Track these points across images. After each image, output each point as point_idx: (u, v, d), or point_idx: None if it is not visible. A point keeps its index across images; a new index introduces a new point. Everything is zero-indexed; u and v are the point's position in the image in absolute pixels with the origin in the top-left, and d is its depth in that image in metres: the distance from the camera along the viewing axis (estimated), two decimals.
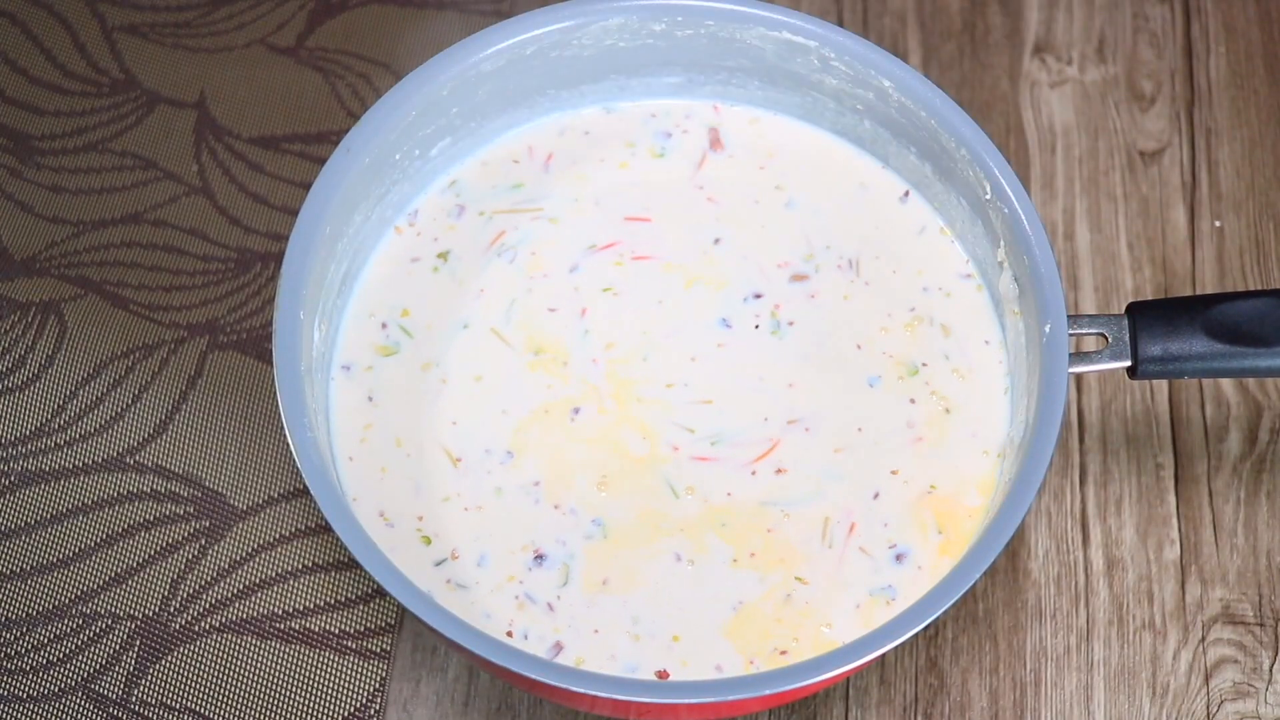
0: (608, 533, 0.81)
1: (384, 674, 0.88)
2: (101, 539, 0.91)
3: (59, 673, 0.88)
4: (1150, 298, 0.96)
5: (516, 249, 0.88)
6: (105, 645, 0.89)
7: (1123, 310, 0.90)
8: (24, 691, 0.88)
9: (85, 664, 0.88)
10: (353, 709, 0.87)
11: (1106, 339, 0.81)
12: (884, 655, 0.76)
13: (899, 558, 0.81)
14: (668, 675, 0.78)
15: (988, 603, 0.90)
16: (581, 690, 0.73)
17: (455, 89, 0.86)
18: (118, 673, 0.88)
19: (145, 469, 0.93)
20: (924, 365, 0.85)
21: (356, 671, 0.88)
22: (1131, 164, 1.02)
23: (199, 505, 0.92)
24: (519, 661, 0.73)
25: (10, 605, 0.90)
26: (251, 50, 1.05)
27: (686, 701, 0.74)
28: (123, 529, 0.91)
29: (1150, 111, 1.03)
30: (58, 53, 1.05)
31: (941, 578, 0.75)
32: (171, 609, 0.90)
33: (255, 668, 0.88)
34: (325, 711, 0.87)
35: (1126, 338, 0.81)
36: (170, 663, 0.88)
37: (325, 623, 0.89)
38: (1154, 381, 0.95)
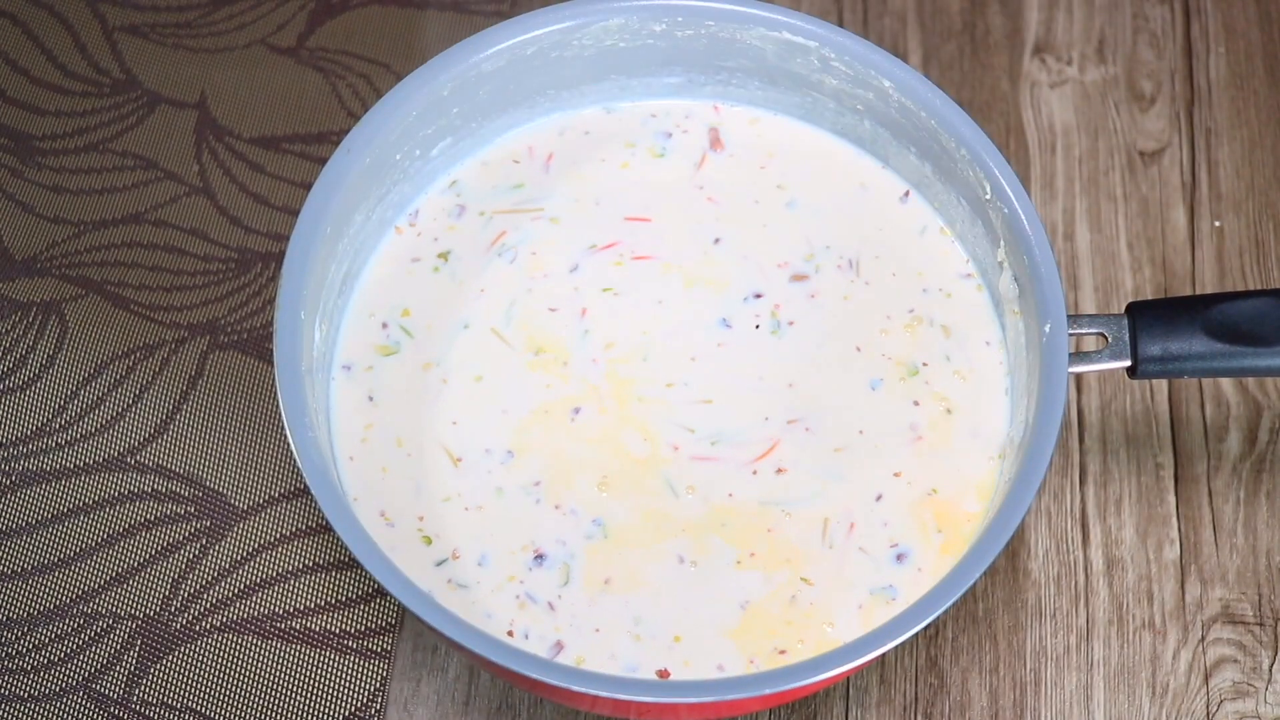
0: (608, 533, 0.81)
1: (384, 674, 0.88)
2: (102, 539, 0.91)
3: (60, 672, 0.88)
4: (1150, 298, 0.96)
5: (517, 249, 0.88)
6: (106, 645, 0.89)
7: (1122, 310, 0.90)
8: (25, 691, 0.88)
9: (86, 664, 0.88)
10: (353, 709, 0.87)
11: (1106, 339, 0.81)
12: (884, 655, 0.76)
13: (900, 558, 0.81)
14: (668, 675, 0.78)
15: (988, 602, 0.90)
16: (581, 690, 0.73)
17: (456, 89, 0.86)
18: (119, 672, 0.88)
19: (146, 469, 0.93)
20: (924, 365, 0.85)
21: (357, 671, 0.88)
22: (1131, 164, 1.02)
23: (200, 505, 0.92)
24: (519, 661, 0.73)
25: (11, 605, 0.90)
26: (252, 50, 1.05)
27: (686, 701, 0.74)
28: (124, 529, 0.91)
29: (1150, 112, 1.03)
30: (59, 53, 1.05)
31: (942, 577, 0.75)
32: (172, 609, 0.90)
33: (256, 668, 0.88)
34: (325, 711, 0.87)
35: (1126, 337, 0.81)
36: (171, 662, 0.88)
37: (326, 622, 0.89)
38: (1154, 381, 0.95)
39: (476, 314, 0.86)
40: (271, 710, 0.87)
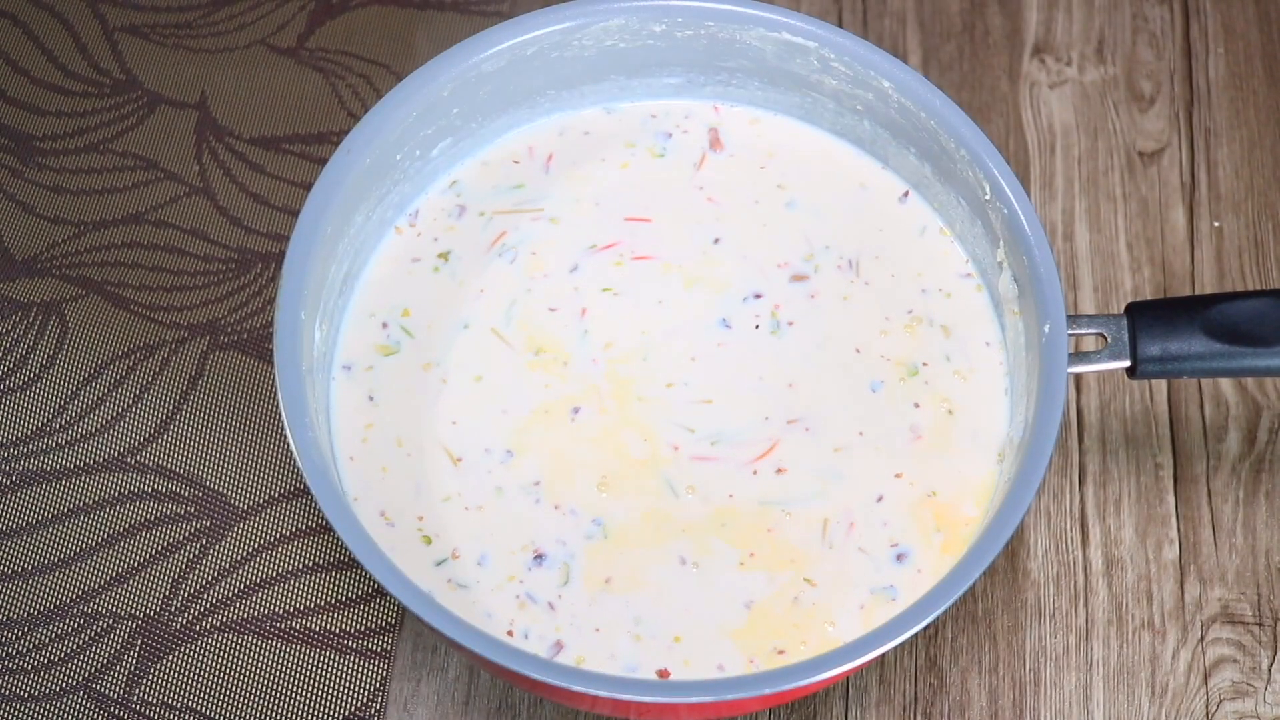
0: (608, 533, 0.81)
1: (384, 674, 0.88)
2: (102, 539, 0.91)
3: (60, 672, 0.88)
4: (1149, 298, 0.96)
5: (517, 249, 0.88)
6: (106, 645, 0.89)
7: (1122, 310, 0.90)
8: (25, 691, 0.88)
9: (86, 664, 0.88)
10: (353, 709, 0.87)
11: (1106, 339, 0.81)
12: (883, 655, 0.76)
13: (900, 557, 0.81)
14: (669, 674, 0.78)
15: (987, 602, 0.90)
16: (581, 690, 0.73)
17: (456, 89, 0.86)
18: (119, 672, 0.88)
19: (146, 469, 0.93)
20: (924, 365, 0.85)
21: (357, 671, 0.88)
22: (1131, 164, 1.02)
23: (200, 505, 0.92)
24: (519, 661, 0.73)
25: (11, 605, 0.90)
26: (252, 51, 1.06)
27: (686, 701, 0.74)
28: (124, 529, 0.92)
29: (1149, 112, 1.03)
30: (59, 53, 1.05)
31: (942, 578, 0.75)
32: (172, 609, 0.90)
33: (256, 668, 0.88)
34: (325, 711, 0.87)
35: (1126, 338, 0.81)
36: (171, 662, 0.88)
37: (326, 622, 0.89)
38: (1153, 381, 0.95)
39: (476, 314, 0.86)
40: (271, 710, 0.87)
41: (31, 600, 0.90)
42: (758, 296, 0.86)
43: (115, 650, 0.89)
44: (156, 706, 0.87)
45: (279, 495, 0.92)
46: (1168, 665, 0.88)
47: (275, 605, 0.90)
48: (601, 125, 0.91)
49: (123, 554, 0.91)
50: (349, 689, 0.88)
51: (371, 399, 0.84)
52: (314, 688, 0.88)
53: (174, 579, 0.90)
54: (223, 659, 0.89)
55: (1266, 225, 1.00)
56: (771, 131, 0.91)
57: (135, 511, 0.92)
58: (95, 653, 0.89)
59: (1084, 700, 0.88)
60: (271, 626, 0.89)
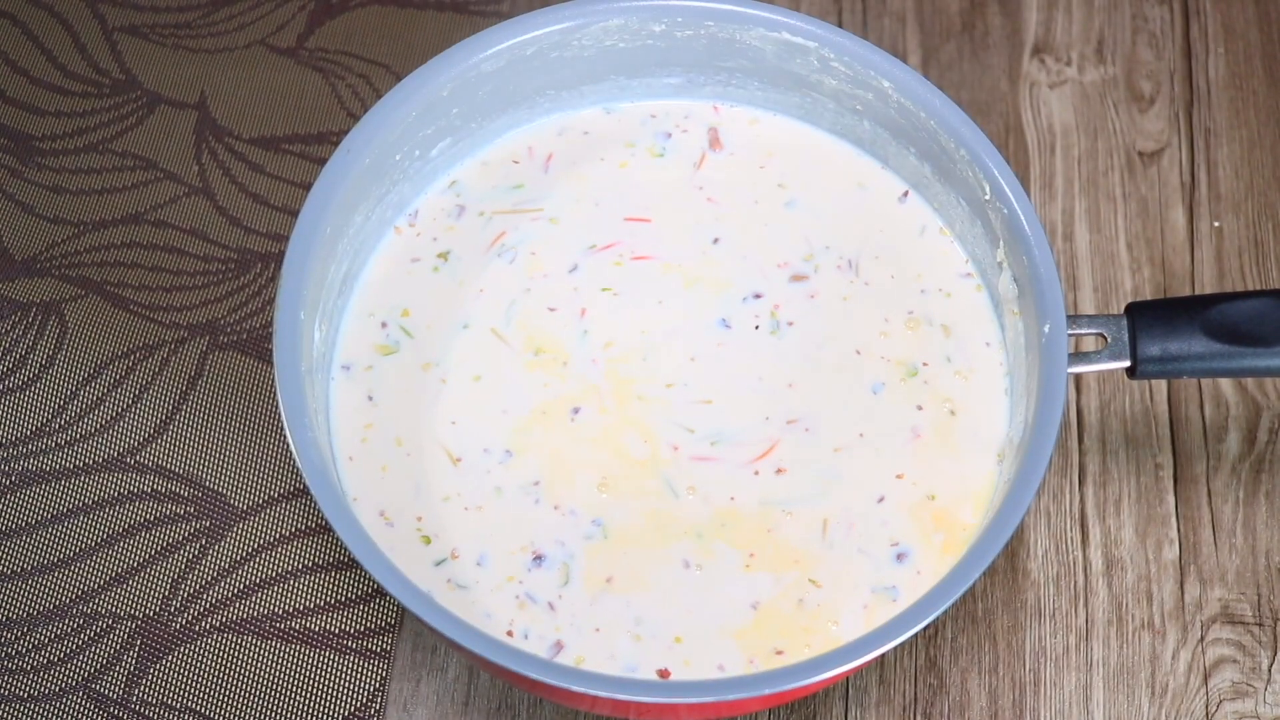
0: (608, 533, 0.81)
1: (384, 674, 0.88)
2: (102, 539, 0.91)
3: (59, 673, 0.88)
4: (1149, 298, 0.96)
5: (516, 249, 0.88)
6: (106, 645, 0.89)
7: (1122, 310, 0.90)
8: (24, 691, 0.88)
9: (86, 664, 0.88)
10: (353, 709, 0.87)
11: (1105, 339, 0.81)
12: (883, 655, 0.76)
13: (900, 557, 0.81)
14: (669, 674, 0.78)
15: (987, 603, 0.90)
16: (580, 690, 0.73)
17: (455, 89, 0.86)
18: (118, 672, 0.88)
19: (146, 469, 0.93)
20: (924, 365, 0.85)
21: (356, 671, 0.88)
22: (1130, 164, 1.02)
23: (199, 505, 0.92)
24: (518, 661, 0.73)
25: (10, 605, 0.90)
26: (252, 51, 1.06)
27: (685, 701, 0.74)
28: (123, 529, 0.92)
29: (1149, 112, 1.03)
30: (58, 53, 1.05)
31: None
32: (172, 609, 0.90)
33: (255, 668, 0.88)
34: (325, 711, 0.87)
35: (1126, 338, 0.81)
36: (171, 662, 0.88)
37: (325, 623, 0.89)
38: (1153, 381, 0.95)
39: (476, 314, 0.86)
40: (271, 710, 0.87)
41: (31, 600, 0.90)
42: (757, 296, 0.86)
43: (115, 650, 0.89)
44: (156, 707, 0.87)
45: (279, 495, 0.92)
46: (1168, 665, 0.88)
47: (275, 605, 0.90)
48: (601, 125, 0.91)
49: (122, 554, 0.91)
50: (349, 689, 0.88)
51: (371, 399, 0.84)
52: (314, 688, 0.88)
53: (174, 579, 0.90)
54: (222, 659, 0.89)
55: (1266, 225, 1.00)
56: (771, 131, 0.91)
57: (135, 511, 0.92)
58: (95, 653, 0.89)
59: (1084, 700, 0.88)
60: (271, 626, 0.89)
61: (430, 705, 0.88)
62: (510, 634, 0.79)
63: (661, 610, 0.79)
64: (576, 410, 0.84)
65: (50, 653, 0.89)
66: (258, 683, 0.88)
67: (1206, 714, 0.87)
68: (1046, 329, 0.79)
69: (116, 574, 0.90)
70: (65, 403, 0.95)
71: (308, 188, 0.93)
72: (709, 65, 0.89)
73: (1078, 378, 0.95)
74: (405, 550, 0.80)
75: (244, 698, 0.88)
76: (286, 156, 1.02)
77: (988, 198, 0.83)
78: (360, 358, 0.85)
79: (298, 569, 0.91)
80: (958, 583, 0.74)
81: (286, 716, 0.87)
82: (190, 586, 0.90)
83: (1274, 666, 0.88)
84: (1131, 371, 0.81)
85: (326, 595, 0.90)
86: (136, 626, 0.89)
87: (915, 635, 0.74)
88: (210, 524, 0.92)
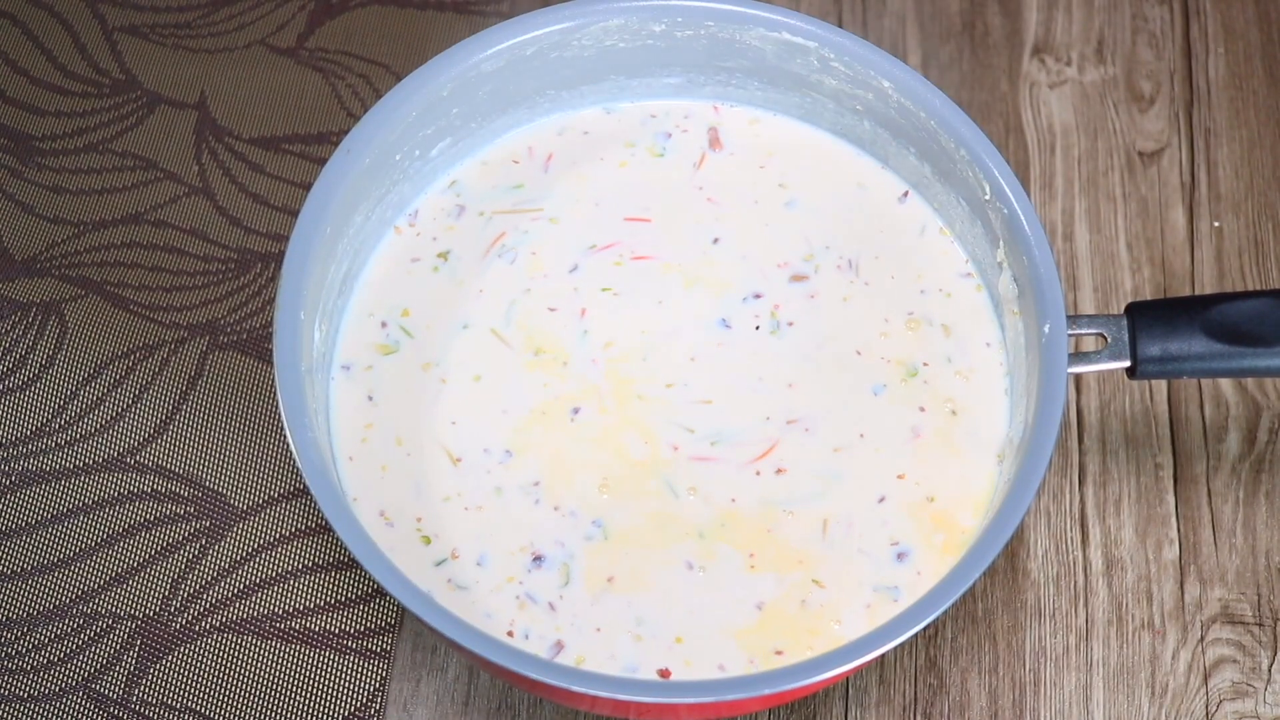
0: (608, 534, 0.81)
1: (384, 674, 0.88)
2: (102, 539, 0.91)
3: (59, 673, 0.88)
4: (1149, 298, 0.96)
5: (516, 249, 0.88)
6: (106, 645, 0.89)
7: (1122, 310, 0.90)
8: (24, 691, 0.88)
9: (86, 664, 0.88)
10: (353, 709, 0.87)
11: (1105, 339, 0.81)
12: (883, 655, 0.76)
13: (900, 556, 0.81)
14: (670, 674, 0.78)
15: (987, 603, 0.90)
16: (580, 689, 0.73)
17: (455, 89, 0.86)
18: (118, 673, 0.88)
19: (146, 469, 0.93)
20: (924, 365, 0.85)
21: (356, 671, 0.88)
22: (1130, 164, 1.02)
23: (199, 505, 0.92)
24: (517, 661, 0.73)
25: (10, 605, 0.90)
26: (252, 51, 1.06)
27: (685, 701, 0.74)
28: (123, 529, 0.92)
29: (1149, 112, 1.03)
30: (58, 53, 1.05)
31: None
32: (172, 609, 0.90)
33: (255, 668, 0.88)
34: (325, 711, 0.87)
35: (1126, 338, 0.81)
36: (171, 662, 0.88)
37: (325, 623, 0.89)
38: (1153, 382, 0.95)
39: (476, 314, 0.86)
40: (271, 710, 0.87)
41: (31, 600, 0.90)
42: (757, 296, 0.86)
43: (115, 650, 0.89)
44: (156, 707, 0.87)
45: (279, 495, 0.92)
46: (1168, 665, 0.88)
47: (275, 605, 0.90)
48: (601, 125, 0.91)
49: (122, 554, 0.91)
50: (349, 689, 0.88)
51: (371, 399, 0.84)
52: (314, 688, 0.88)
53: (174, 579, 0.90)
54: (222, 659, 0.89)
55: (1266, 225, 1.00)
56: (771, 131, 0.91)
57: (135, 511, 0.92)
58: (95, 653, 0.89)
59: (1084, 700, 0.88)
60: (271, 626, 0.89)
61: (430, 705, 0.88)
62: (511, 634, 0.79)
63: (663, 611, 0.79)
64: (576, 410, 0.84)
65: (50, 653, 0.89)
66: (258, 683, 0.88)
67: (1206, 714, 0.87)
68: (1046, 329, 0.79)
69: (116, 574, 0.90)
70: (65, 403, 0.95)
71: (308, 188, 0.93)
72: (709, 65, 0.89)
73: (1078, 378, 0.95)
74: (405, 550, 0.80)
75: (244, 698, 0.88)
76: (286, 156, 1.02)
77: (988, 198, 0.83)
78: (360, 358, 0.85)
79: (298, 569, 0.91)
80: (958, 583, 0.74)
81: (286, 716, 0.87)
82: (190, 586, 0.90)
83: (1274, 666, 0.88)
84: (1131, 372, 0.81)
85: (326, 595, 0.90)
86: (136, 626, 0.89)
87: (915, 635, 0.74)
88: (210, 524, 0.92)
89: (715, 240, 0.88)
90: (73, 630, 0.89)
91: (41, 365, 0.96)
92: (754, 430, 0.83)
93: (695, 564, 0.80)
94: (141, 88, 1.04)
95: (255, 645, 0.89)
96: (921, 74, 0.87)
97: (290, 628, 0.89)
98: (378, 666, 0.88)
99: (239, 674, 0.88)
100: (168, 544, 0.91)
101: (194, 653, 0.89)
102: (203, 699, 0.88)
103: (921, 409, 0.84)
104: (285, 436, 0.78)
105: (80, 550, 0.91)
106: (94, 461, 0.93)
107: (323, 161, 0.95)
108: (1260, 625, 0.89)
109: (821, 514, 0.81)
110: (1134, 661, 0.88)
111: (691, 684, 0.74)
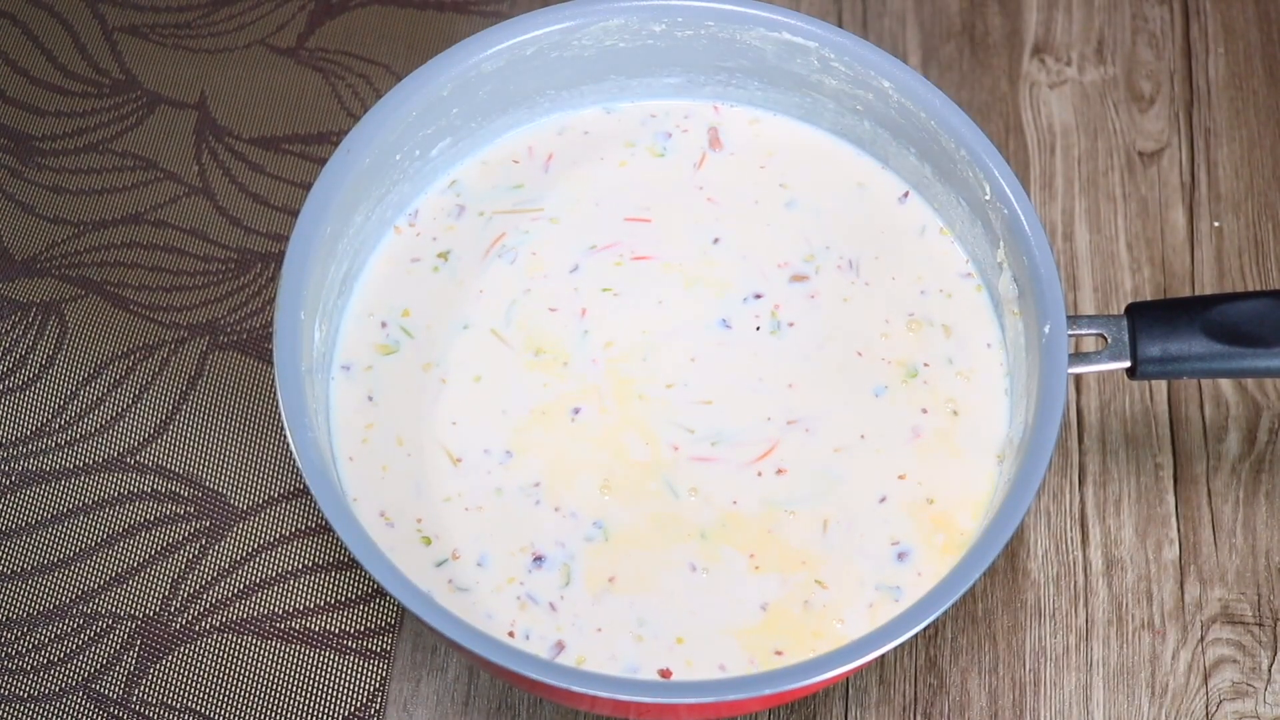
0: (609, 535, 0.81)
1: (384, 674, 0.88)
2: (102, 539, 0.91)
3: (59, 673, 0.88)
4: (1149, 298, 0.96)
5: (516, 249, 0.88)
6: (106, 645, 0.89)
7: (1122, 311, 0.90)
8: (24, 691, 0.88)
9: (86, 664, 0.88)
10: (353, 709, 0.87)
11: (1106, 339, 0.81)
12: (884, 655, 0.76)
13: (901, 556, 0.81)
14: (671, 674, 0.78)
15: (987, 603, 0.90)
16: (579, 689, 0.73)
17: (456, 89, 0.86)
18: (118, 673, 0.88)
19: (146, 469, 0.93)
20: (925, 366, 0.85)
21: (356, 671, 0.88)
22: (1130, 164, 1.02)
23: (199, 505, 0.92)
24: (516, 660, 0.73)
25: (10, 605, 0.90)
26: (252, 51, 1.06)
27: (684, 701, 0.74)
28: (123, 529, 0.92)
29: (1149, 112, 1.03)
30: (58, 53, 1.05)
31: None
32: (172, 609, 0.90)
33: (255, 668, 0.88)
34: (325, 711, 0.87)
35: (1126, 338, 0.81)
36: (171, 662, 0.88)
37: (325, 623, 0.89)
38: (1153, 382, 0.95)
39: (476, 314, 0.86)
40: (271, 710, 0.87)
41: (31, 600, 0.90)
42: (758, 297, 0.86)
43: (115, 650, 0.89)
44: (156, 707, 0.87)
45: (279, 495, 0.92)
46: (1168, 665, 0.88)
47: (275, 605, 0.90)
48: (601, 125, 0.91)
49: (123, 554, 0.91)
50: (349, 689, 0.88)
51: (371, 399, 0.84)
52: (314, 688, 0.88)
53: (174, 579, 0.90)
54: (222, 659, 0.89)
55: (1266, 225, 1.00)
56: (771, 131, 0.91)
57: (135, 511, 0.92)
58: (95, 653, 0.89)
59: (1084, 700, 0.88)
60: (271, 626, 0.89)
61: (430, 705, 0.88)
62: (512, 634, 0.79)
63: (664, 611, 0.79)
64: (577, 410, 0.84)
65: (50, 653, 0.89)
66: (258, 683, 0.88)
67: (1206, 714, 0.87)
68: (1046, 329, 0.79)
69: (116, 574, 0.90)
70: (65, 403, 0.95)
71: (308, 188, 0.93)
72: (709, 65, 0.89)
73: (1078, 378, 0.95)
74: (406, 551, 0.80)
75: (244, 698, 0.88)
76: (286, 156, 1.02)
77: (988, 198, 0.83)
78: (360, 358, 0.85)
79: (298, 569, 0.91)
80: (958, 583, 0.74)
81: (286, 716, 0.87)
82: (190, 586, 0.90)
83: (1274, 666, 0.88)
84: (1131, 372, 0.81)
85: (326, 595, 0.90)
86: (136, 626, 0.89)
87: (915, 635, 0.74)
88: (210, 524, 0.92)
89: (715, 240, 0.88)
90: (73, 630, 0.89)
91: (41, 365, 0.96)
92: (754, 430, 0.83)
93: (699, 565, 0.80)
94: (141, 88, 1.04)
95: (255, 645, 0.89)
96: (921, 74, 0.87)
97: (290, 628, 0.89)
98: (378, 666, 0.88)
99: (239, 674, 0.88)
100: (168, 544, 0.91)
101: (194, 653, 0.89)
102: (203, 699, 0.88)
103: (924, 410, 0.84)
104: (285, 436, 0.78)
105: (80, 550, 0.91)
106: (94, 461, 0.93)
107: (323, 161, 0.95)
108: (1260, 625, 0.89)
109: (822, 514, 0.81)
110: (1134, 661, 0.88)
111: (690, 684, 0.74)
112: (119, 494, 0.92)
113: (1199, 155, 1.02)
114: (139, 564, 0.91)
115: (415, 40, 1.06)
